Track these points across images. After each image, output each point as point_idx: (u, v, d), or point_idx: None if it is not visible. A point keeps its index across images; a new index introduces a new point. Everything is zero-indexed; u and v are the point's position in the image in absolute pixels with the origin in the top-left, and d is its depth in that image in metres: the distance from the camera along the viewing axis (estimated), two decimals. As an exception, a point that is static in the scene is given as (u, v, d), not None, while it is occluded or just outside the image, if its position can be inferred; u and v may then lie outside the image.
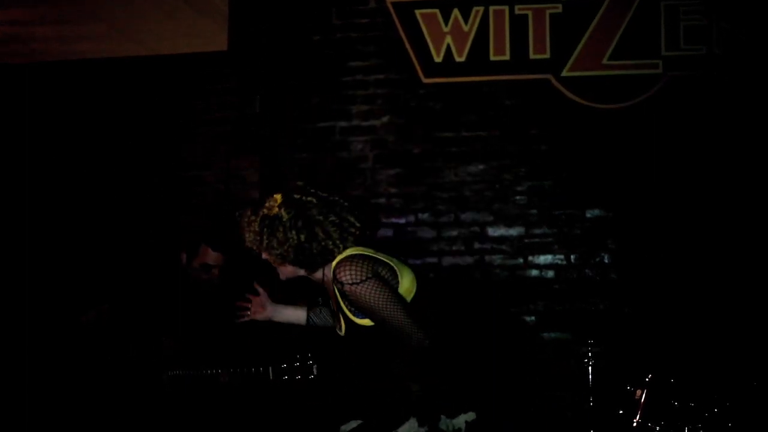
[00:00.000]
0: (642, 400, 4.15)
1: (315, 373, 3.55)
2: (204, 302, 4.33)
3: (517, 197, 5.17)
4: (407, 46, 5.22)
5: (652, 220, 5.00)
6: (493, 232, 5.19)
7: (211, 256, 4.29)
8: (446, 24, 5.19)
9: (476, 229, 5.20)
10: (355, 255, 2.98)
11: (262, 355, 4.12)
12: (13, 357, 4.61)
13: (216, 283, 4.32)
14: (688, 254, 4.92)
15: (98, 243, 5.33)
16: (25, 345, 4.65)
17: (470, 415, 2.97)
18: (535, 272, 5.14)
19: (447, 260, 5.20)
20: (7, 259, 5.30)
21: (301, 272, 3.10)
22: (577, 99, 5.10)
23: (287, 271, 3.09)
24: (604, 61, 5.08)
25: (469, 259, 5.18)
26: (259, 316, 3.51)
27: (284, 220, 2.97)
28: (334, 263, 2.98)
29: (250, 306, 3.52)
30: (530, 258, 5.14)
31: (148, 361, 4.10)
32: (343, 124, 5.34)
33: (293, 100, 5.37)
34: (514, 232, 5.17)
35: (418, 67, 5.21)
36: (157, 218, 5.34)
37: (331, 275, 2.99)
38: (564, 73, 5.11)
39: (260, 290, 3.50)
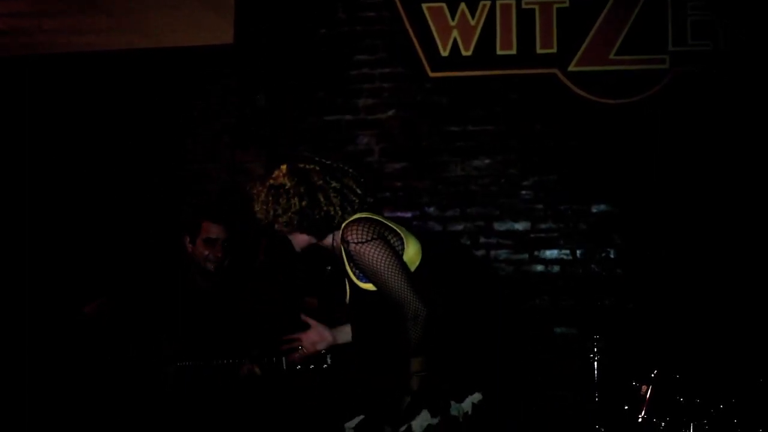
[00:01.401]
0: (647, 395, 4.15)
1: (329, 362, 3.55)
2: (207, 295, 4.33)
3: (523, 192, 5.17)
4: (414, 40, 5.21)
5: (658, 215, 4.99)
6: (498, 226, 5.18)
7: (213, 230, 4.28)
8: (453, 18, 5.18)
9: (482, 223, 5.19)
10: (363, 217, 3.04)
11: (271, 347, 4.12)
12: (13, 351, 4.61)
13: (220, 261, 4.29)
14: (693, 250, 4.91)
15: (99, 237, 5.31)
16: (25, 339, 4.66)
17: (476, 396, 3.00)
18: (540, 267, 5.13)
19: (452, 254, 5.21)
20: (8, 254, 5.28)
21: (313, 240, 3.15)
22: (583, 94, 5.09)
23: (299, 240, 3.15)
24: (611, 56, 5.07)
25: (475, 254, 5.18)
26: (321, 346, 3.45)
27: (287, 187, 3.05)
28: (343, 225, 3.03)
29: (300, 340, 3.44)
30: (536, 253, 5.14)
31: (149, 354, 4.10)
32: (349, 117, 5.33)
33: (299, 94, 5.36)
34: (519, 226, 5.17)
35: (424, 61, 5.20)
36: (160, 212, 5.32)
37: (340, 238, 3.05)
38: (571, 68, 5.10)
39: (311, 321, 3.43)
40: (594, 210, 5.10)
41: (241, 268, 4.44)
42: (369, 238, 2.95)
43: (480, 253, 5.17)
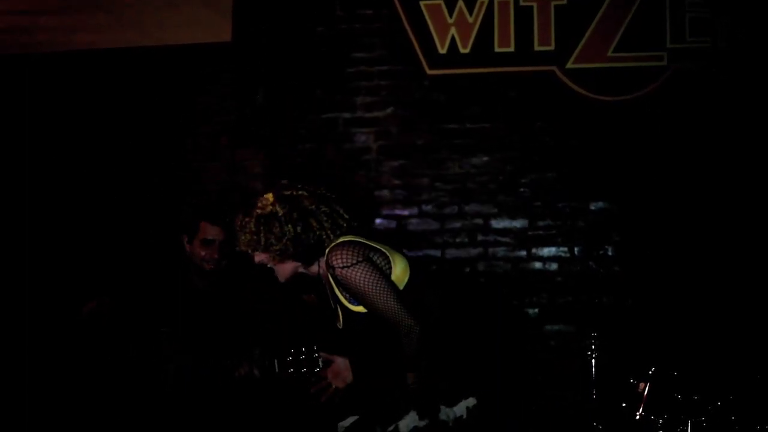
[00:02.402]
0: (645, 393, 4.14)
1: (320, 366, 3.54)
2: (204, 294, 4.32)
3: (521, 189, 5.16)
4: (411, 37, 5.21)
5: (656, 213, 4.99)
6: (496, 224, 5.18)
7: (211, 231, 4.26)
8: (451, 15, 5.17)
9: (480, 221, 5.19)
10: (347, 241, 3.06)
11: (266, 349, 4.12)
12: (13, 350, 4.61)
13: (218, 261, 4.29)
14: (692, 247, 4.91)
15: (99, 236, 5.30)
16: (25, 338, 4.66)
17: (471, 401, 3.00)
18: (538, 265, 5.13)
19: (450, 252, 5.20)
20: (8, 253, 5.28)
21: (300, 269, 3.15)
22: (581, 91, 5.08)
23: (286, 269, 3.15)
24: (609, 53, 5.06)
25: (472, 251, 5.18)
26: (349, 376, 3.22)
27: (280, 215, 3.05)
28: (327, 251, 3.06)
29: (327, 379, 3.28)
30: (534, 250, 5.14)
31: (149, 354, 4.09)
32: (346, 115, 5.33)
33: (297, 92, 5.35)
34: (517, 224, 5.16)
35: (422, 59, 5.20)
36: (159, 210, 5.31)
37: (325, 264, 3.06)
38: (569, 65, 5.09)
39: (333, 358, 3.25)
40: (592, 207, 5.10)
41: (239, 268, 4.43)
42: (354, 262, 2.98)
43: (478, 250, 5.17)
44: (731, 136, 4.92)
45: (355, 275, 2.97)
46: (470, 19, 5.17)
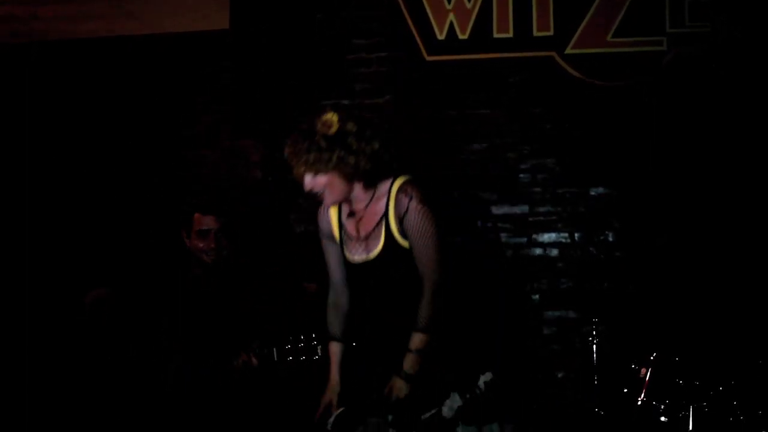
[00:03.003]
0: (646, 378, 4.16)
1: (320, 354, 3.55)
2: (205, 287, 4.32)
3: (521, 175, 5.16)
4: (410, 23, 5.19)
5: (656, 198, 4.98)
6: (497, 210, 5.17)
7: (204, 221, 4.27)
8: (449, 1, 5.15)
9: (480, 207, 5.19)
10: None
11: (264, 339, 4.12)
12: (12, 348, 4.60)
13: (217, 251, 4.28)
14: (692, 232, 4.91)
15: (98, 228, 5.29)
16: (25, 336, 4.65)
17: (487, 376, 3.05)
18: (539, 251, 5.13)
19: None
20: (7, 249, 5.26)
21: (356, 191, 3.13)
22: (581, 76, 5.06)
23: (341, 191, 3.11)
24: (609, 38, 5.04)
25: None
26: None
27: (354, 131, 3.04)
28: (397, 183, 3.07)
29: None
30: (534, 236, 5.13)
31: (149, 351, 4.09)
32: (345, 102, 5.31)
33: (296, 79, 5.34)
34: (518, 210, 5.16)
35: (421, 45, 5.18)
36: (158, 200, 5.30)
37: (387, 192, 3.08)
38: (568, 51, 5.07)
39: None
40: (592, 193, 5.10)
41: (240, 269, 4.44)
42: (431, 201, 3.02)
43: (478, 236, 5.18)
44: (731, 121, 4.91)
45: (429, 213, 3.01)
46: (468, 5, 5.15)
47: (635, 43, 5.02)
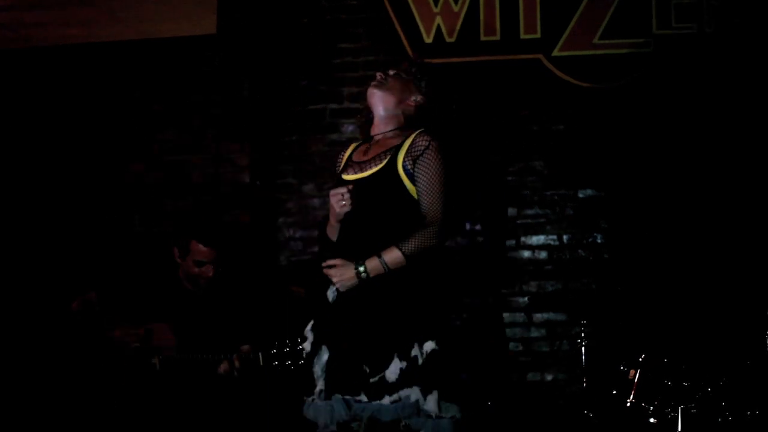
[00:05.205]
0: (635, 380, 4.16)
1: (305, 357, 3.54)
2: (193, 297, 4.32)
3: (509, 178, 5.16)
4: (397, 27, 5.19)
5: (644, 199, 4.99)
6: (484, 212, 5.17)
7: (202, 252, 4.27)
8: (436, 5, 5.16)
9: (468, 209, 5.18)
10: None
11: (253, 343, 4.12)
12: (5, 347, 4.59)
13: (210, 277, 4.29)
14: (680, 233, 4.91)
15: (84, 230, 5.26)
16: (17, 334, 4.63)
17: (430, 344, 3.06)
18: (527, 253, 5.13)
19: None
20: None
21: (409, 101, 3.42)
22: (568, 79, 5.07)
23: (388, 102, 3.40)
24: (595, 41, 5.05)
25: (461, 240, 5.17)
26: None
27: (428, 81, 3.53)
28: (418, 131, 3.26)
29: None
30: (523, 239, 5.13)
31: (137, 347, 4.08)
32: (333, 106, 5.31)
33: (282, 83, 5.33)
34: (506, 212, 5.16)
35: (408, 49, 5.18)
36: (144, 203, 5.28)
37: (406, 135, 3.28)
38: (555, 53, 5.08)
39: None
40: (580, 195, 5.10)
41: (228, 280, 4.43)
42: (445, 155, 3.22)
43: (466, 240, 5.16)
44: (718, 121, 4.93)
45: (442, 161, 3.19)
46: (456, 8, 5.15)
47: (622, 45, 5.04)
